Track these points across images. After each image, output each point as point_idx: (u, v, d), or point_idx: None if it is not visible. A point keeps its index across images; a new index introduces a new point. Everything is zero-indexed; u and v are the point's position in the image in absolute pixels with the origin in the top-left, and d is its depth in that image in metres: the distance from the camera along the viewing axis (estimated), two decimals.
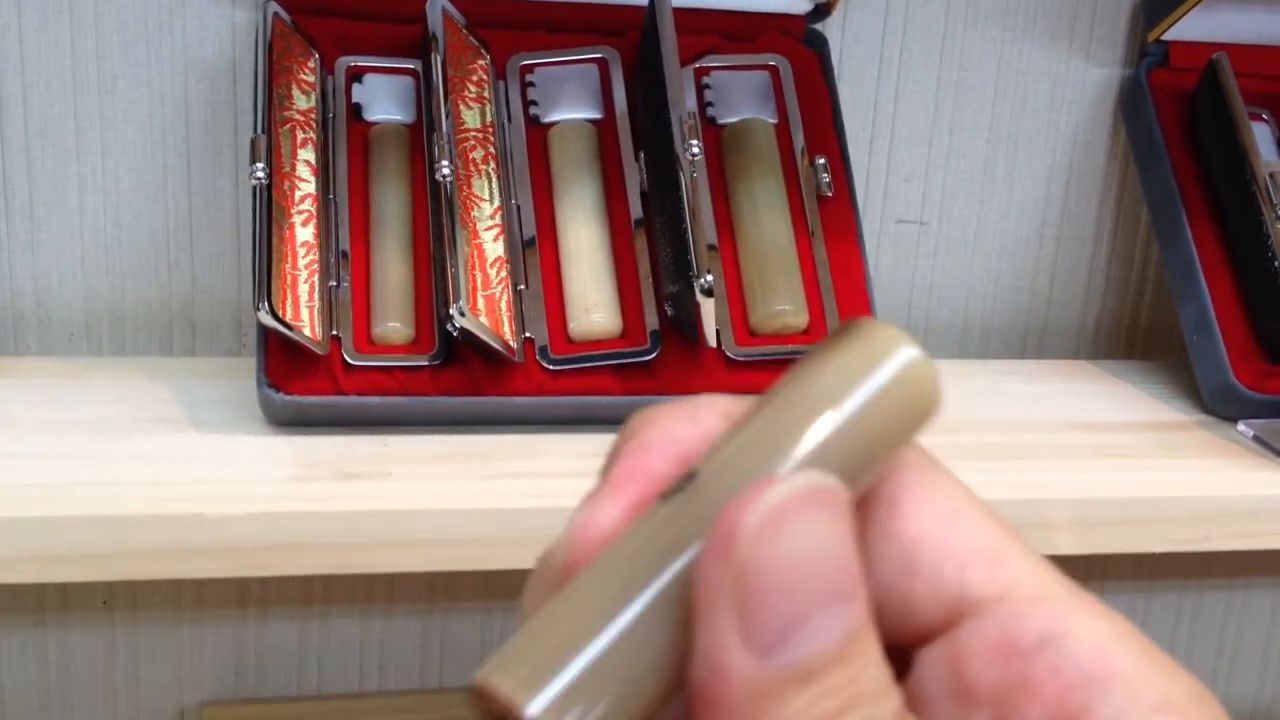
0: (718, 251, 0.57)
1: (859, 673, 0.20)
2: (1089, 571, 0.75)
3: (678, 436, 0.23)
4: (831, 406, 0.22)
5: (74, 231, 0.60)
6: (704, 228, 0.53)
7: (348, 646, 0.67)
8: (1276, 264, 0.60)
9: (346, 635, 0.67)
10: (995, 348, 0.71)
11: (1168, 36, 0.66)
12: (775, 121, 0.60)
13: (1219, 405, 0.61)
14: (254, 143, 0.53)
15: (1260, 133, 0.66)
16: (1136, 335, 0.73)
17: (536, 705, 0.20)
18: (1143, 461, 0.56)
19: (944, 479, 0.25)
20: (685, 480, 0.22)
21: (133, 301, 0.62)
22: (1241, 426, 0.59)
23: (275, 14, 0.57)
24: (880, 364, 0.23)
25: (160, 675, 0.65)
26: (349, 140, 0.57)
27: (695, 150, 0.53)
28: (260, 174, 0.52)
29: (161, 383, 0.57)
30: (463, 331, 0.51)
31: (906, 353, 0.23)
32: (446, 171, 0.53)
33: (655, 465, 0.23)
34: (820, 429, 0.22)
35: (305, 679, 0.67)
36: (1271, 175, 0.62)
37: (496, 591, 0.67)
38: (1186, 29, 0.66)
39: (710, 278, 0.51)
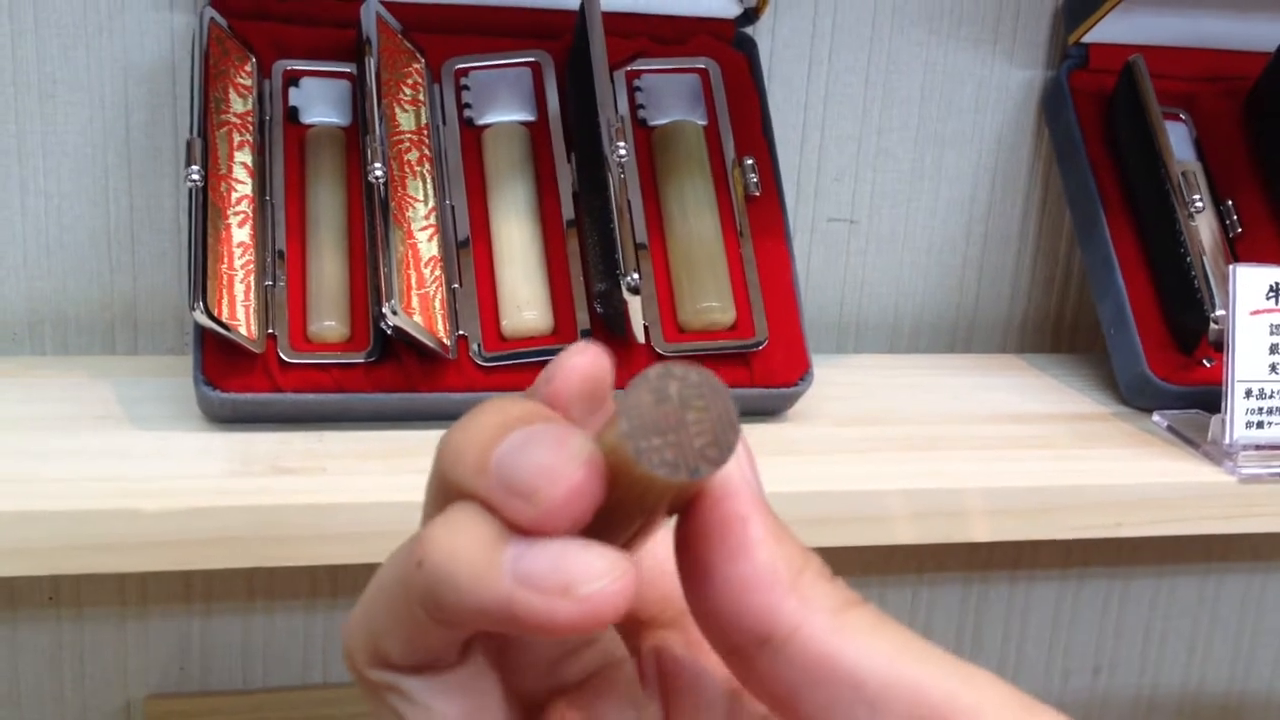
0: (647, 250, 0.58)
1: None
2: (1018, 560, 0.77)
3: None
4: None
5: (16, 233, 0.61)
6: (631, 227, 0.54)
7: (292, 639, 0.68)
8: (1189, 260, 0.62)
9: (290, 628, 0.68)
10: (925, 343, 0.73)
11: (1088, 39, 0.68)
12: (705, 124, 0.62)
13: (1135, 397, 0.63)
14: (189, 145, 0.54)
15: (1175, 132, 0.68)
16: (1062, 329, 0.75)
17: None
18: (1058, 451, 0.58)
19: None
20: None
21: (75, 302, 0.63)
22: (1156, 417, 0.62)
23: (212, 19, 0.58)
24: None
25: (105, 669, 0.66)
26: (285, 143, 0.58)
27: (623, 152, 0.55)
28: (195, 176, 0.53)
29: (103, 381, 0.58)
30: (396, 329, 0.53)
31: None
32: (379, 173, 0.54)
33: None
34: None
35: (250, 672, 0.69)
36: (1185, 174, 0.65)
37: None
38: (1106, 31, 0.68)
39: (637, 276, 0.53)
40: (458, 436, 0.27)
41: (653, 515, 0.27)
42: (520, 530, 0.25)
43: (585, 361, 0.28)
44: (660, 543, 0.29)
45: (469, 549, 0.25)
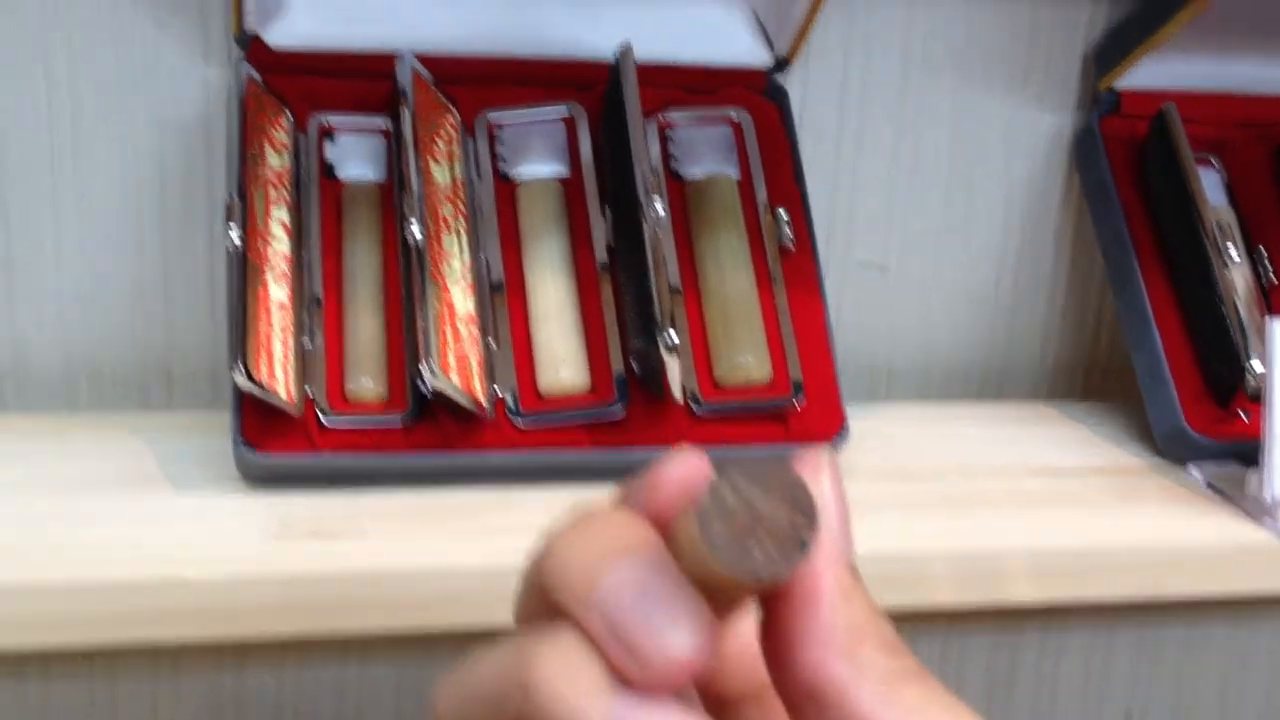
0: (682, 305, 0.58)
1: None
2: (1051, 608, 0.77)
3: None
4: None
5: (50, 287, 0.61)
6: (668, 285, 0.54)
7: (325, 696, 0.68)
8: (1225, 310, 0.62)
9: (323, 685, 0.68)
10: (956, 389, 0.73)
11: (1118, 85, 0.68)
12: (738, 176, 0.62)
13: (1171, 449, 0.63)
14: (229, 206, 0.54)
15: (1208, 179, 0.68)
16: (1093, 375, 0.75)
17: None
18: (1096, 508, 0.58)
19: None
20: None
21: (110, 355, 0.63)
22: (1193, 471, 0.61)
23: (248, 74, 0.58)
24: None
25: None
26: (321, 199, 0.58)
27: (659, 208, 0.55)
28: (235, 237, 0.53)
29: (139, 439, 0.58)
30: (434, 391, 0.52)
31: None
32: (416, 232, 0.54)
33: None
34: None
35: None
36: (1219, 222, 0.64)
37: (473, 643, 0.68)
38: (1137, 77, 0.68)
39: (674, 335, 0.52)
40: (562, 551, 0.27)
41: (741, 599, 0.28)
42: (623, 677, 0.26)
43: (685, 472, 0.28)
44: (746, 615, 0.29)
45: (576, 696, 0.26)
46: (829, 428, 0.58)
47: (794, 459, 0.28)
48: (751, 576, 0.25)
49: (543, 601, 0.28)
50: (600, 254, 0.59)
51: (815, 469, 0.29)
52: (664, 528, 0.28)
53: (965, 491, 0.58)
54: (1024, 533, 0.55)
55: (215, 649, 0.66)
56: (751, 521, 0.25)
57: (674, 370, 0.53)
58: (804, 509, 0.26)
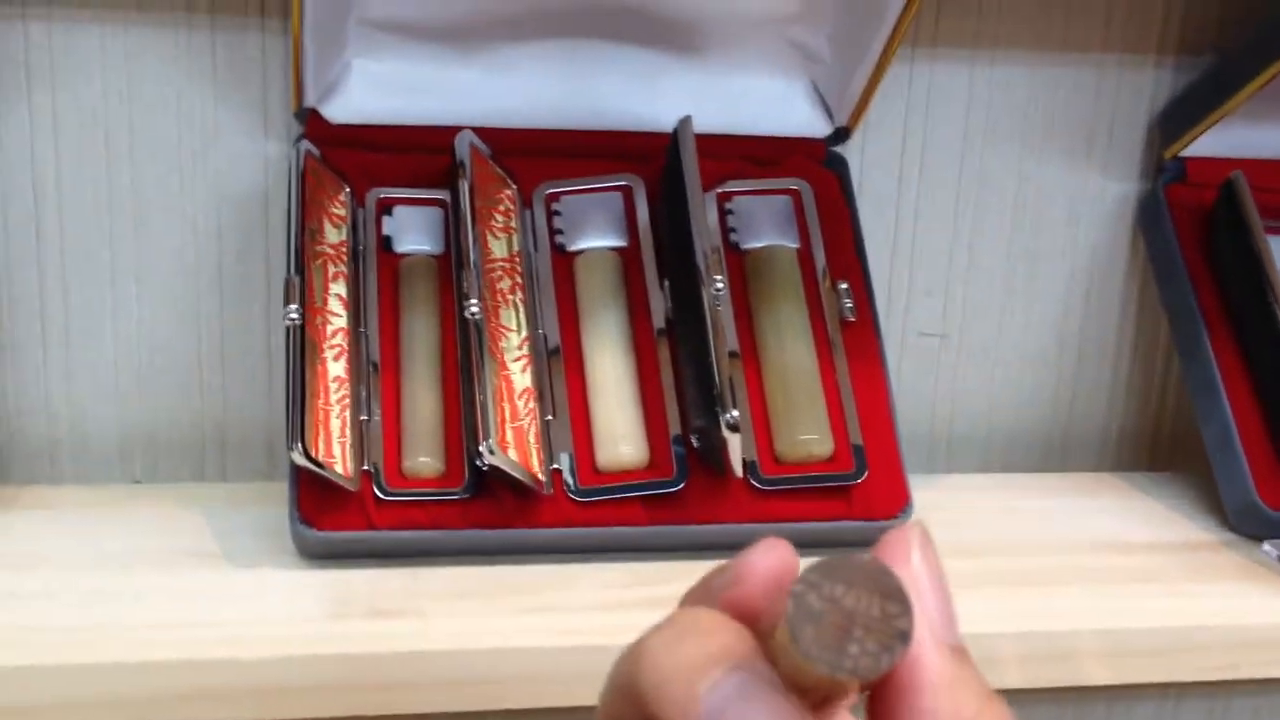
0: (742, 378, 0.57)
1: None
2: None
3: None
4: None
5: (107, 358, 0.61)
6: (729, 363, 0.53)
7: None
8: None
9: None
10: (1018, 459, 0.72)
11: (1185, 153, 0.67)
12: (798, 246, 0.61)
13: (1244, 524, 0.61)
14: (288, 284, 0.54)
15: (1277, 247, 0.67)
16: (1159, 445, 0.73)
17: None
18: (1169, 587, 0.56)
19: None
20: None
21: (166, 425, 0.63)
22: (1267, 547, 0.60)
23: (307, 150, 0.58)
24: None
25: None
26: (379, 272, 0.58)
27: (719, 285, 0.54)
28: (294, 315, 0.53)
29: (194, 511, 0.58)
30: (492, 466, 0.52)
31: None
32: (475, 309, 0.54)
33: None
34: None
35: None
36: None
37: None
38: (1203, 145, 0.67)
39: (736, 414, 0.52)
40: (659, 658, 0.26)
41: (845, 693, 0.27)
42: None
43: (772, 562, 0.28)
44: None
45: None
46: (892, 504, 0.57)
47: (882, 541, 0.28)
48: (853, 675, 0.24)
49: (635, 707, 0.27)
50: (658, 325, 0.58)
51: (904, 548, 0.28)
52: (753, 620, 0.27)
53: (1032, 569, 0.57)
54: (1095, 612, 0.53)
55: None
56: (843, 620, 0.25)
57: (735, 447, 0.52)
58: (895, 596, 0.25)
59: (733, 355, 0.58)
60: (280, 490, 0.55)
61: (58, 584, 0.51)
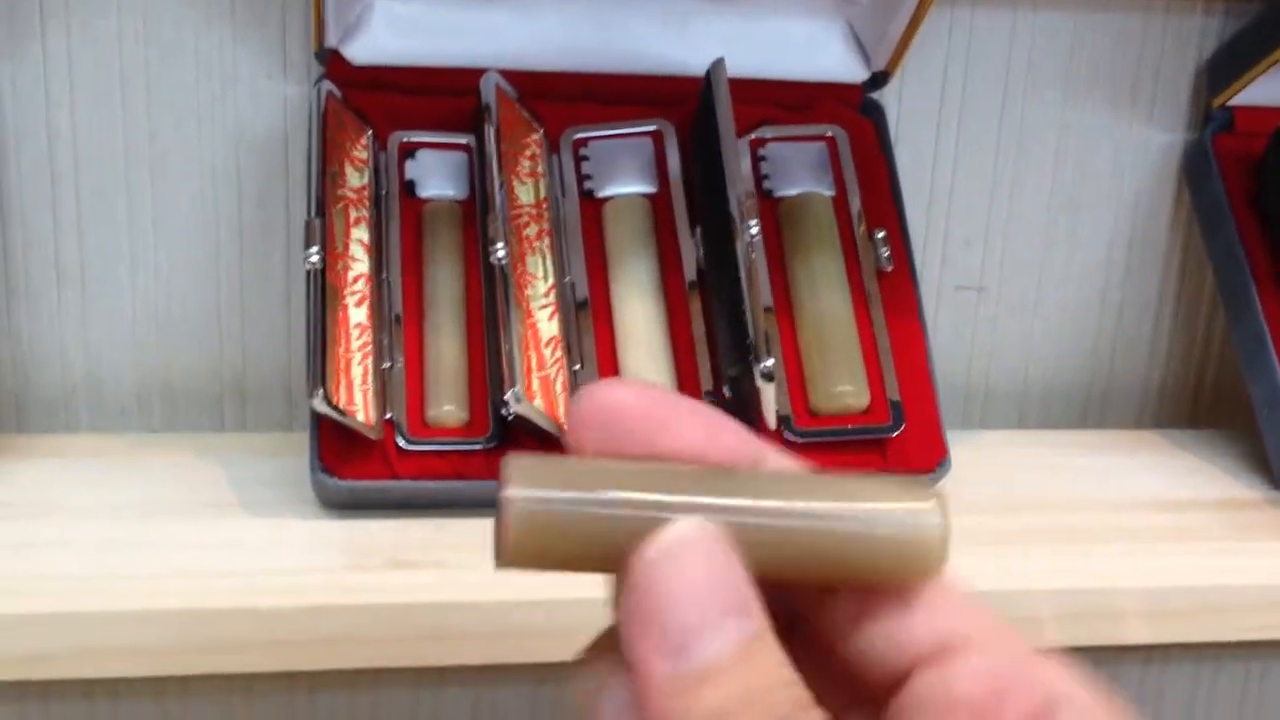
0: (775, 329, 0.55)
1: (759, 671, 0.25)
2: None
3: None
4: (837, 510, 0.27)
5: (125, 306, 0.60)
6: (763, 311, 0.52)
7: (399, 718, 0.66)
8: None
9: (398, 707, 0.66)
10: (1055, 414, 0.70)
11: (1233, 101, 0.65)
12: (832, 194, 0.59)
13: None
14: (308, 226, 0.52)
15: None
16: (1201, 401, 0.71)
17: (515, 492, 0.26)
18: (1214, 544, 0.55)
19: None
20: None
21: (184, 374, 0.61)
22: None
23: (329, 91, 0.56)
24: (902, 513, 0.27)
25: None
26: (402, 217, 0.56)
27: (754, 231, 0.52)
28: (315, 258, 0.51)
29: (213, 461, 0.56)
30: (517, 416, 0.50)
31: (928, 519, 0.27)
32: (501, 254, 0.52)
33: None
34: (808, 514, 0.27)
35: None
36: None
37: (549, 676, 0.66)
38: (1252, 94, 0.64)
39: (770, 363, 0.50)
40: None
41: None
42: None
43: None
44: None
45: None
46: (929, 457, 0.55)
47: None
48: None
49: None
50: (689, 274, 0.57)
51: None
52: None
53: (1073, 525, 0.55)
54: (1139, 572, 0.52)
55: (289, 676, 0.64)
56: None
57: (769, 398, 0.51)
58: None
59: (766, 308, 0.56)
60: (300, 441, 0.54)
61: (72, 532, 0.50)
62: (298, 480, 0.54)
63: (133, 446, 0.58)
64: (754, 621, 0.26)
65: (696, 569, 0.25)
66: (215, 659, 0.46)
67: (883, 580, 0.27)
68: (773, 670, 0.25)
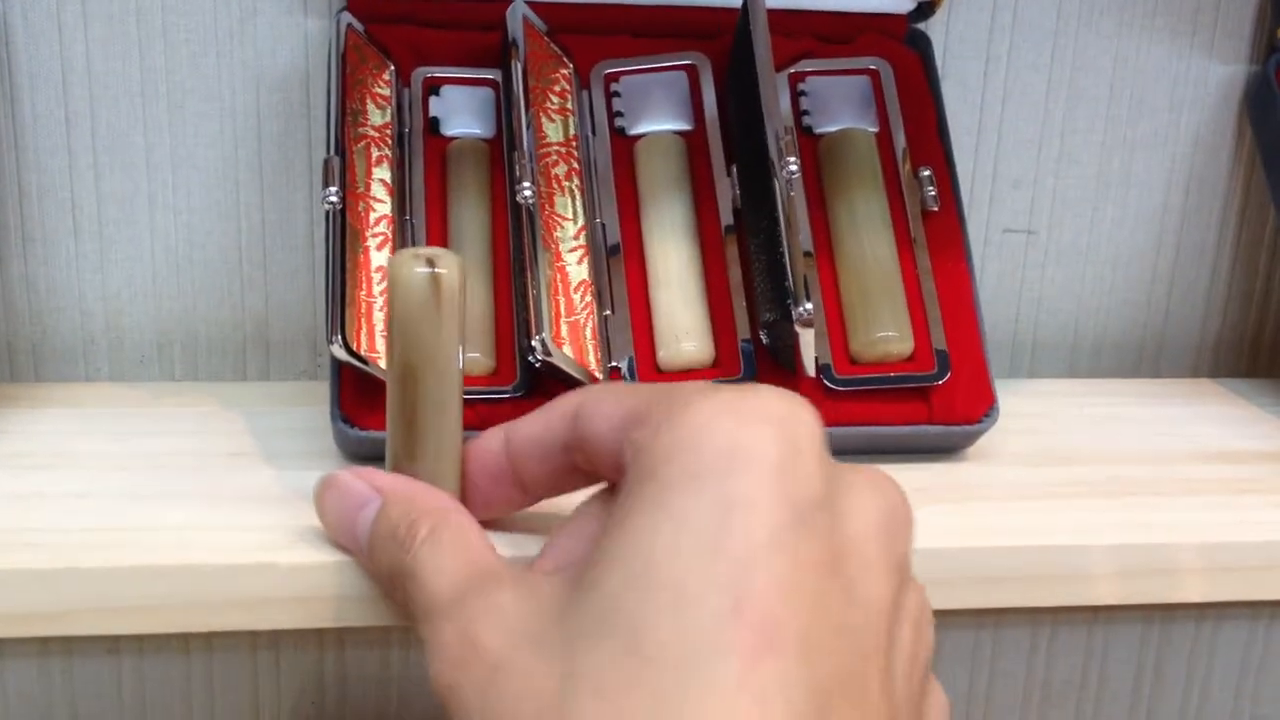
0: (815, 272, 0.53)
1: (399, 523, 0.39)
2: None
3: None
4: None
5: (144, 250, 0.58)
6: (802, 251, 0.49)
7: (427, 678, 0.65)
8: None
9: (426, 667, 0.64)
10: (1108, 363, 0.67)
11: None
12: (876, 130, 0.57)
13: None
14: (327, 165, 0.50)
15: None
16: (1260, 350, 0.68)
17: None
18: (1275, 498, 0.52)
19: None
20: None
21: (205, 321, 0.60)
22: None
23: (349, 25, 0.54)
24: None
25: (237, 705, 0.63)
26: (426, 156, 0.54)
27: (793, 168, 0.50)
28: (333, 198, 0.49)
29: (234, 411, 0.55)
30: (546, 364, 0.48)
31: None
32: (528, 193, 0.50)
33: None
34: None
35: (384, 707, 0.65)
36: None
37: None
38: None
39: (810, 307, 0.48)
40: None
41: None
42: None
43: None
44: None
45: None
46: (975, 407, 0.53)
47: None
48: None
49: None
50: (725, 216, 0.54)
51: None
52: None
53: (1128, 477, 0.53)
54: (1199, 526, 0.49)
55: (316, 633, 0.63)
56: None
57: (808, 344, 0.48)
58: None
59: (805, 249, 0.53)
60: (323, 391, 0.52)
61: (91, 484, 0.48)
62: (319, 429, 0.52)
63: (153, 396, 0.56)
64: (369, 510, 0.41)
65: (329, 494, 0.43)
66: (238, 615, 0.44)
67: None
68: (408, 515, 0.39)
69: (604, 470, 0.37)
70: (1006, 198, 0.64)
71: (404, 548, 0.38)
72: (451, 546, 0.37)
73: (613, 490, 0.37)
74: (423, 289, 0.39)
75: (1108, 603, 0.49)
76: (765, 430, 0.32)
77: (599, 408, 0.37)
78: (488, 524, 0.41)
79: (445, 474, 0.43)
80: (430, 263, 0.39)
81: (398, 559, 0.38)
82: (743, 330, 0.52)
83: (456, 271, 0.39)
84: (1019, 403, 0.59)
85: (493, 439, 0.41)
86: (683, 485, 0.31)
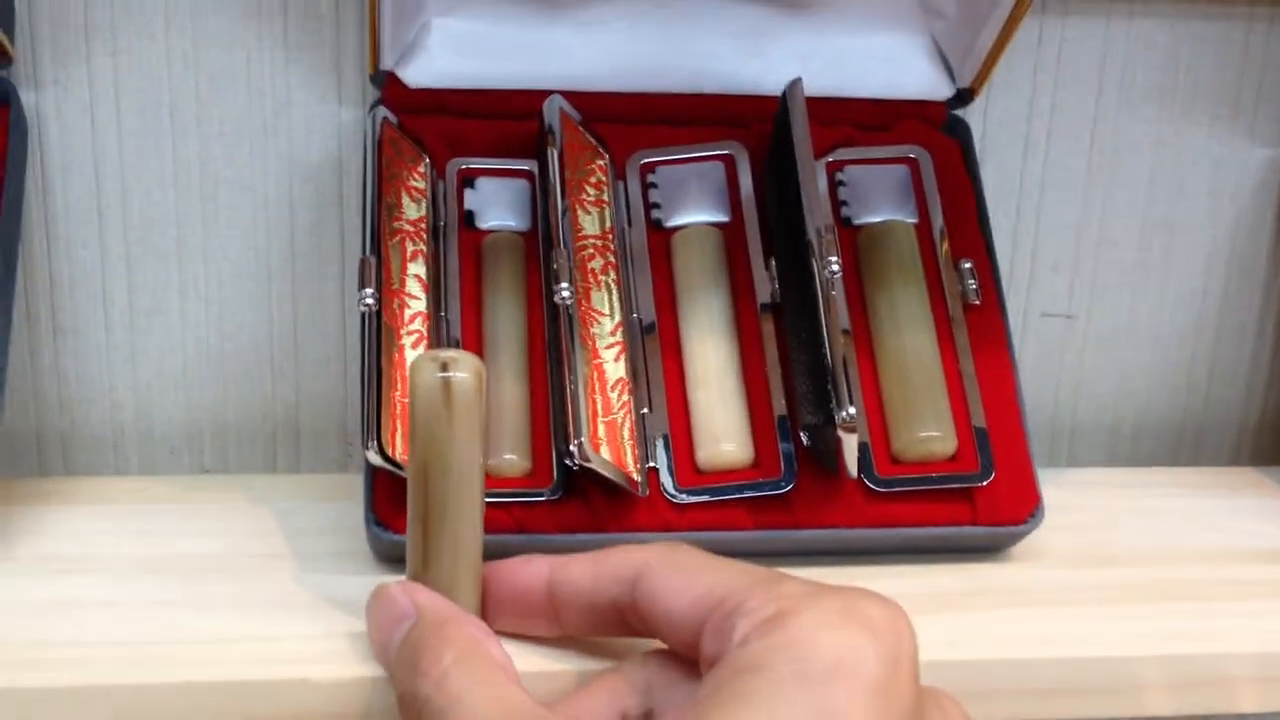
0: (857, 374, 0.52)
1: (421, 649, 0.38)
2: None
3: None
4: None
5: (175, 341, 0.58)
6: (843, 352, 0.48)
7: None
8: None
9: None
10: (1147, 449, 0.66)
11: None
12: (915, 221, 0.56)
13: None
14: (363, 265, 0.49)
15: None
16: None
17: None
18: None
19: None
20: None
21: (236, 411, 0.59)
22: None
23: (384, 116, 0.53)
24: None
25: None
26: (461, 250, 0.54)
27: (835, 267, 0.49)
28: (369, 299, 0.49)
29: (264, 507, 0.54)
30: (583, 466, 0.47)
31: None
32: (567, 294, 0.49)
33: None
34: None
35: None
36: None
37: None
38: None
39: (853, 411, 0.47)
40: None
41: None
42: None
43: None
44: None
45: None
46: (1020, 508, 0.52)
47: None
48: None
49: None
50: (763, 309, 0.53)
51: None
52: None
53: (1177, 580, 0.52)
54: (1254, 633, 0.48)
55: None
56: None
57: (851, 449, 0.48)
58: None
59: (847, 342, 0.52)
60: (356, 483, 0.51)
61: (120, 590, 0.47)
62: (353, 529, 0.51)
63: (183, 490, 0.56)
64: (407, 622, 0.40)
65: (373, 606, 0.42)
66: None
67: None
68: (445, 642, 0.38)
69: (670, 641, 0.37)
70: (1045, 281, 0.64)
71: (423, 673, 0.37)
72: (481, 684, 0.36)
73: (663, 656, 0.38)
74: (436, 393, 0.39)
75: (1159, 714, 0.48)
76: (868, 644, 0.32)
77: (667, 580, 0.37)
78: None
79: (461, 582, 0.42)
80: (445, 366, 0.39)
81: (413, 685, 0.37)
82: (783, 428, 0.51)
83: (472, 375, 0.39)
84: (1060, 495, 0.58)
85: (534, 575, 0.40)
86: (784, 690, 0.31)
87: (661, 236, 0.55)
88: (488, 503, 0.49)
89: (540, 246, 0.53)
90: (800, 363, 0.51)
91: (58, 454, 0.58)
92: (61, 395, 0.57)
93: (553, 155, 0.53)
